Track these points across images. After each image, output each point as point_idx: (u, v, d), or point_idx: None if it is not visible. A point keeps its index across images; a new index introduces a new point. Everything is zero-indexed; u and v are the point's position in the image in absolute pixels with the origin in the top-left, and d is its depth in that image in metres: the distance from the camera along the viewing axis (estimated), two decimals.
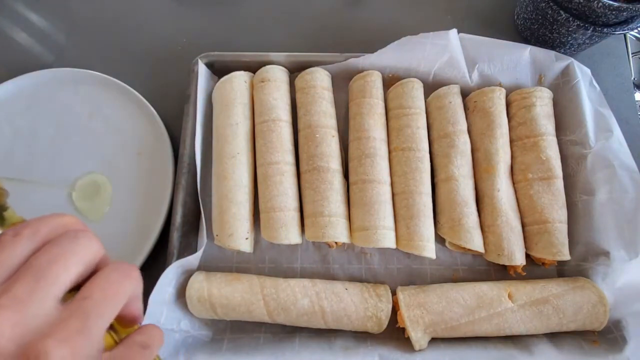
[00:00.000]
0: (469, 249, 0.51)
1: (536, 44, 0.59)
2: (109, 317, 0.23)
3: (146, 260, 0.51)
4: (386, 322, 0.46)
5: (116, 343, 0.27)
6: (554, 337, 0.48)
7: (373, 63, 0.57)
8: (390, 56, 0.56)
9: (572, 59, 0.57)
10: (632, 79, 0.67)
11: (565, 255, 0.49)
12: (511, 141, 0.55)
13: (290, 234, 0.49)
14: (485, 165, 0.53)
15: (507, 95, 0.57)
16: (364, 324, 0.46)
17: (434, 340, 0.47)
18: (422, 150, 0.53)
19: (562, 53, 0.58)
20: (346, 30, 0.69)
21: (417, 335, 0.45)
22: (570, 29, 0.57)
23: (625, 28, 0.55)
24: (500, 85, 0.58)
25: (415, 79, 0.56)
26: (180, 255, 0.49)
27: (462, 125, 0.54)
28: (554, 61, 0.57)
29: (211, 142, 0.55)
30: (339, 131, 0.55)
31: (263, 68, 0.56)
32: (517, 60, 0.57)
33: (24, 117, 0.59)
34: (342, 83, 0.59)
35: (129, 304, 0.26)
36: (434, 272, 0.53)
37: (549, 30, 0.60)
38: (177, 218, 0.51)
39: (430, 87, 0.58)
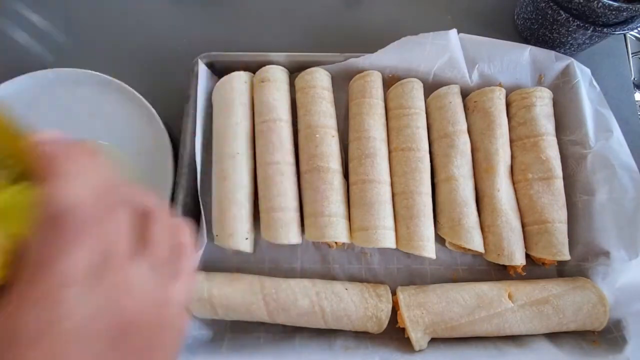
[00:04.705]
0: (469, 249, 0.51)
1: (536, 44, 0.59)
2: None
3: None
4: (386, 322, 0.46)
5: None
6: (554, 337, 0.48)
7: (373, 63, 0.57)
8: (390, 56, 0.56)
9: (572, 59, 0.57)
10: (632, 79, 0.67)
11: (565, 255, 0.49)
12: (511, 141, 0.55)
13: (290, 234, 0.49)
14: (485, 165, 0.53)
15: (507, 95, 0.57)
16: (364, 324, 0.46)
17: (433, 341, 0.47)
18: (422, 150, 0.53)
19: (562, 53, 0.58)
20: (346, 30, 0.69)
21: (417, 336, 0.45)
22: (570, 29, 0.57)
23: (625, 28, 0.55)
24: (500, 85, 0.58)
25: (415, 79, 0.56)
26: None
27: (462, 125, 0.54)
28: (554, 61, 0.57)
29: (211, 142, 0.55)
30: (339, 131, 0.55)
31: (263, 68, 0.56)
32: (517, 60, 0.57)
33: (24, 117, 0.59)
34: (342, 83, 0.59)
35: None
36: (434, 272, 0.53)
37: (549, 30, 0.60)
38: None
39: (430, 87, 0.58)
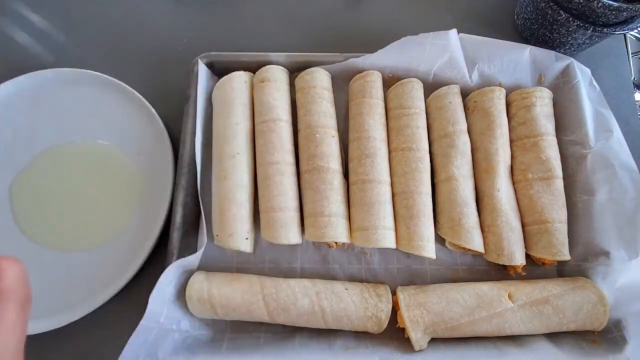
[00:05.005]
0: (469, 249, 0.51)
1: (536, 44, 0.59)
2: None
3: (146, 260, 0.51)
4: (386, 322, 0.46)
5: None
6: (554, 337, 0.48)
7: (373, 63, 0.57)
8: (390, 56, 0.56)
9: (572, 59, 0.57)
10: (632, 79, 0.67)
11: (565, 255, 0.49)
12: (511, 141, 0.55)
13: (290, 234, 0.49)
14: (485, 165, 0.53)
15: (507, 95, 0.57)
16: (364, 324, 0.46)
17: (433, 341, 0.47)
18: (422, 150, 0.53)
19: (562, 53, 0.58)
20: (346, 30, 0.69)
21: (417, 336, 0.45)
22: (570, 29, 0.57)
23: (625, 28, 0.55)
24: (500, 85, 0.58)
25: (415, 79, 0.56)
26: (180, 255, 0.49)
27: (462, 125, 0.54)
28: (554, 61, 0.57)
29: (211, 142, 0.55)
30: (339, 131, 0.55)
31: (263, 68, 0.56)
32: (517, 60, 0.57)
33: (24, 117, 0.59)
34: (342, 83, 0.59)
35: None
36: (434, 272, 0.53)
37: (549, 30, 0.60)
38: (177, 218, 0.51)
39: (430, 87, 0.58)
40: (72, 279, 0.52)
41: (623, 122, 0.54)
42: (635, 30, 0.74)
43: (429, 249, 0.49)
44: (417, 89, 0.56)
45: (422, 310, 0.46)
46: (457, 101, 0.56)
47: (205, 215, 0.51)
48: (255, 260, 0.53)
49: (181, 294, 0.47)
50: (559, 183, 0.52)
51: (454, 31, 0.55)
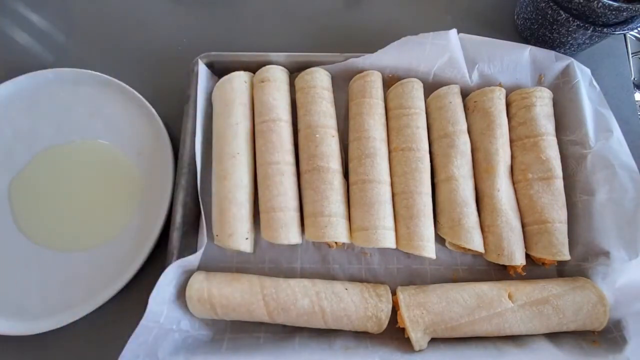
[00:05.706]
0: (469, 249, 0.51)
1: (536, 44, 0.59)
2: None
3: (146, 260, 0.51)
4: (386, 322, 0.46)
5: None
6: (554, 337, 0.48)
7: (373, 63, 0.57)
8: (390, 56, 0.56)
9: (572, 59, 0.57)
10: (632, 79, 0.67)
11: (565, 255, 0.49)
12: (511, 141, 0.55)
13: (290, 234, 0.49)
14: (485, 165, 0.53)
15: (507, 96, 0.57)
16: (364, 324, 0.46)
17: (433, 341, 0.47)
18: (422, 150, 0.53)
19: (562, 53, 0.58)
20: (346, 30, 0.69)
21: (417, 336, 0.45)
22: (570, 29, 0.57)
23: (625, 28, 0.55)
24: (500, 85, 0.58)
25: (415, 79, 0.56)
26: (180, 255, 0.49)
27: (462, 125, 0.54)
28: (554, 61, 0.57)
29: (211, 142, 0.55)
30: (339, 131, 0.55)
31: (263, 68, 0.56)
32: (517, 60, 0.57)
33: (24, 117, 0.59)
34: (342, 83, 0.59)
35: None
36: (434, 272, 0.53)
37: (549, 30, 0.60)
38: (177, 218, 0.51)
39: (430, 87, 0.58)
40: (72, 279, 0.52)
41: (623, 122, 0.54)
42: (635, 30, 0.74)
43: (429, 249, 0.49)
44: (417, 89, 0.56)
45: (422, 310, 0.46)
46: (457, 101, 0.56)
47: (205, 215, 0.51)
48: (255, 260, 0.53)
49: (181, 294, 0.47)
50: (559, 183, 0.52)
51: (454, 31, 0.55)
